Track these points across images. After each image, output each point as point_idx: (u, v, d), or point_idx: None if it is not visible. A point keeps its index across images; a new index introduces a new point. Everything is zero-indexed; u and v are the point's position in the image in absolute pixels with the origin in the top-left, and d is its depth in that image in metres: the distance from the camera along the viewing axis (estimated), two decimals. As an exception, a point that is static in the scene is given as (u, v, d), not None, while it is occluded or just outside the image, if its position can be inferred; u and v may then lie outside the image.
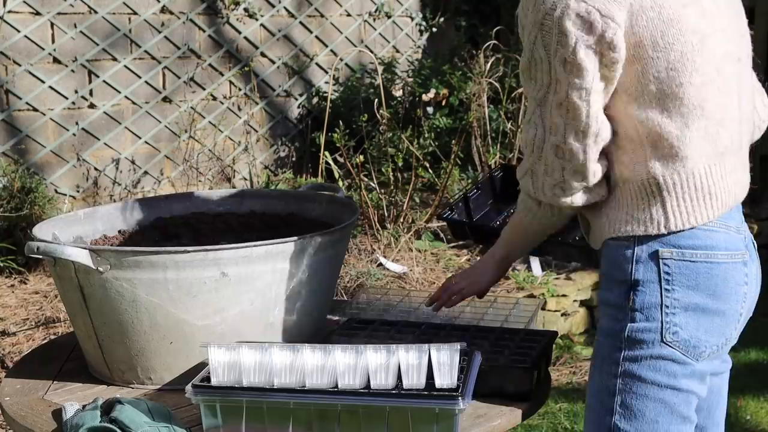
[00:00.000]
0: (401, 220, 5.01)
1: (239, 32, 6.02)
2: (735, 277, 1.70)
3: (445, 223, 5.16)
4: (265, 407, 1.61)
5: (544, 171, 1.69)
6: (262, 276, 1.87)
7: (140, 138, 5.59)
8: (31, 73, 5.09)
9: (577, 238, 2.05)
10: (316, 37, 6.48)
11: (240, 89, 6.07)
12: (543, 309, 4.43)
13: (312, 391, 1.61)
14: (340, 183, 5.34)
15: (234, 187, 5.47)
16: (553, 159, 1.68)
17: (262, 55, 6.18)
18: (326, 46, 6.52)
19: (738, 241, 1.72)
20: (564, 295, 4.57)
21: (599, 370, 1.74)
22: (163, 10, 5.63)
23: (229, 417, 1.62)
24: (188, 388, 1.63)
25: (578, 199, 1.72)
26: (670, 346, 1.67)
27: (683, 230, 1.66)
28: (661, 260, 1.67)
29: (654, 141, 1.65)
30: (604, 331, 1.75)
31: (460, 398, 1.56)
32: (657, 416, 1.69)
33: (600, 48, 1.60)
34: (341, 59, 6.54)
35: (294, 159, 6.41)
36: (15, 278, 4.48)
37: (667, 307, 1.66)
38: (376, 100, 5.22)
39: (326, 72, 6.46)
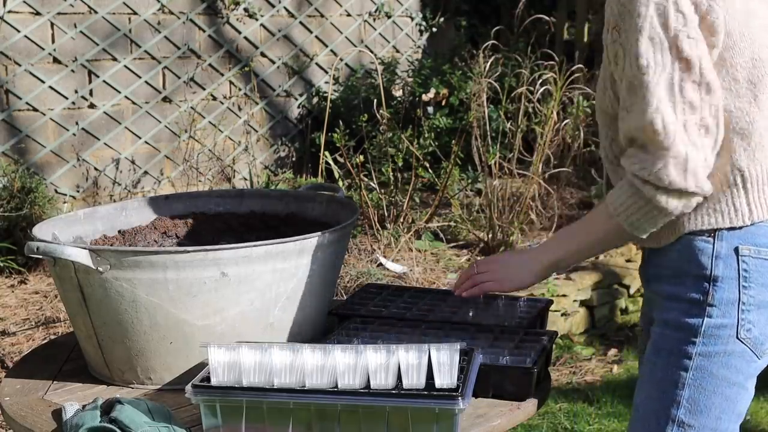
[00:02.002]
0: (401, 220, 5.02)
1: (239, 32, 6.02)
2: None
3: (444, 223, 5.18)
4: (265, 407, 1.61)
5: (694, 152, 1.62)
6: (262, 276, 1.87)
7: (140, 138, 5.59)
8: (31, 73, 5.09)
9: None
10: (316, 37, 6.48)
11: (240, 89, 6.07)
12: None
13: (312, 391, 1.61)
14: (340, 183, 5.34)
15: (234, 187, 5.47)
16: (698, 138, 1.62)
17: (262, 55, 6.18)
18: (326, 46, 6.53)
19: None
20: (564, 295, 4.57)
21: (665, 362, 1.74)
22: (163, 10, 5.63)
23: (229, 417, 1.62)
24: (188, 388, 1.63)
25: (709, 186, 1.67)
26: (742, 342, 1.70)
27: (762, 222, 1.69)
28: (740, 257, 1.69)
29: (742, 131, 1.67)
30: (672, 324, 1.73)
31: (460, 398, 1.56)
32: (721, 413, 1.72)
33: (703, 30, 1.62)
34: (341, 59, 6.55)
35: (294, 159, 6.41)
36: (15, 278, 4.48)
37: (744, 303, 1.69)
38: (376, 100, 5.22)
39: (326, 72, 6.47)
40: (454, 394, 1.57)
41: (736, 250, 1.69)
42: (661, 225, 1.70)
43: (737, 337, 1.69)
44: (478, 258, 4.96)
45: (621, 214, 1.70)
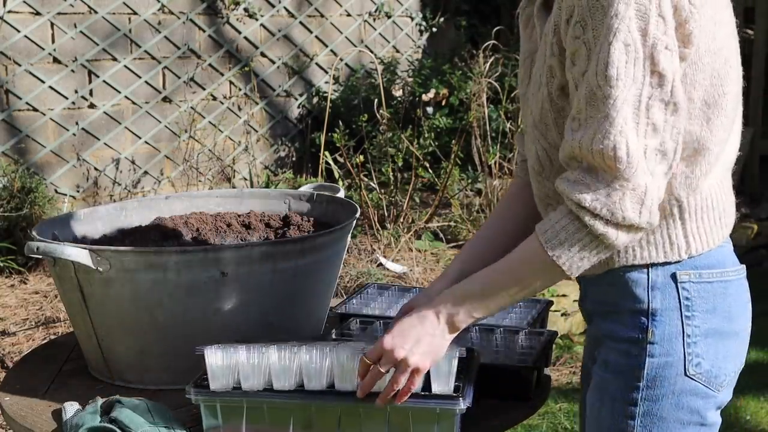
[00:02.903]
0: (401, 220, 5.02)
1: (239, 32, 6.02)
2: (743, 294, 1.59)
3: (444, 223, 5.17)
4: (265, 408, 1.61)
5: (652, 183, 1.40)
6: (262, 276, 1.87)
7: (140, 138, 5.59)
8: (31, 73, 5.10)
9: None
10: (316, 37, 6.48)
11: (240, 89, 6.07)
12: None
13: (312, 391, 1.61)
14: (340, 183, 5.34)
15: (234, 187, 5.47)
16: (656, 165, 1.40)
17: (262, 55, 6.18)
18: (326, 46, 6.53)
19: (735, 254, 1.60)
20: (564, 295, 4.57)
21: (609, 409, 1.56)
22: (163, 10, 5.63)
23: (230, 417, 1.62)
24: (188, 388, 1.63)
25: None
26: (693, 379, 1.52)
27: (702, 254, 1.53)
28: (679, 284, 1.51)
29: (688, 158, 1.47)
30: (612, 368, 1.56)
31: (460, 398, 1.56)
32: None
33: (677, 39, 1.40)
34: (341, 59, 6.55)
35: (294, 159, 6.41)
36: (15, 278, 4.48)
37: (689, 336, 1.51)
38: (376, 100, 5.22)
39: (326, 72, 6.47)
40: (455, 394, 1.57)
41: (674, 276, 1.51)
42: (596, 261, 1.47)
43: (686, 375, 1.51)
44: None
45: (563, 256, 1.44)
